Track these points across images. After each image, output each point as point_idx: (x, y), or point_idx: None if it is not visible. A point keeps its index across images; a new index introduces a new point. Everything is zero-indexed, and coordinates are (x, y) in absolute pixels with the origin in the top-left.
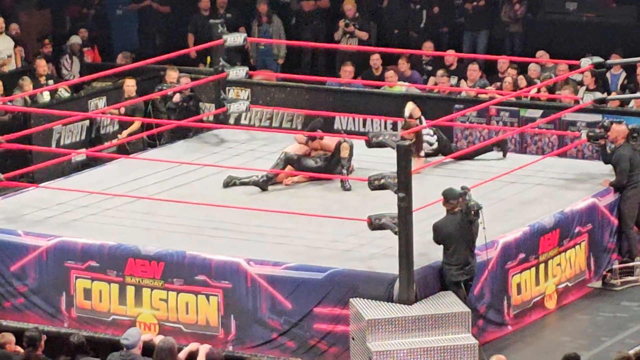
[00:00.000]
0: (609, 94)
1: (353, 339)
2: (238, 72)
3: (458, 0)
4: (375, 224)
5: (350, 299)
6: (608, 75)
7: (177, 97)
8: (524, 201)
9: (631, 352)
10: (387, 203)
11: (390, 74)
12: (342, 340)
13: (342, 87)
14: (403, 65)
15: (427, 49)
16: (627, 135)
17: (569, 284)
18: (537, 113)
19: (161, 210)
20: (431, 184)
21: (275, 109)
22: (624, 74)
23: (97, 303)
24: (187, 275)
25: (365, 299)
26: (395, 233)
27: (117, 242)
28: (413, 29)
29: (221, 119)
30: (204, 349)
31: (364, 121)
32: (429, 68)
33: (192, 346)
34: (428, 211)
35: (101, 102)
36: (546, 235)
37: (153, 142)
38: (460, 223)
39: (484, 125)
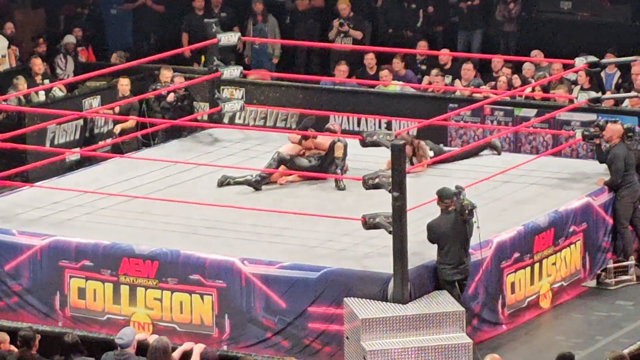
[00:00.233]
0: (603, 93)
1: (347, 338)
2: (232, 72)
3: None
4: (369, 223)
5: (345, 298)
6: (602, 74)
7: (171, 97)
8: (519, 200)
9: (625, 351)
10: (381, 202)
11: (384, 73)
12: (336, 340)
13: (336, 87)
14: (397, 64)
15: (422, 48)
16: (622, 134)
17: (564, 283)
18: (531, 112)
19: (155, 210)
20: (425, 183)
21: (269, 108)
22: (618, 73)
23: (92, 302)
24: (182, 275)
25: (360, 298)
26: (390, 232)
27: (111, 242)
28: (408, 28)
29: (215, 119)
30: (198, 348)
31: (359, 120)
32: (423, 67)
33: (186, 345)
34: (422, 210)
35: (95, 101)
36: (541, 235)
37: (147, 141)
38: (454, 222)
39: (479, 125)
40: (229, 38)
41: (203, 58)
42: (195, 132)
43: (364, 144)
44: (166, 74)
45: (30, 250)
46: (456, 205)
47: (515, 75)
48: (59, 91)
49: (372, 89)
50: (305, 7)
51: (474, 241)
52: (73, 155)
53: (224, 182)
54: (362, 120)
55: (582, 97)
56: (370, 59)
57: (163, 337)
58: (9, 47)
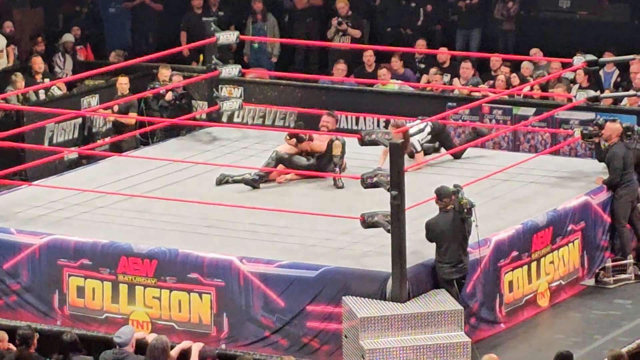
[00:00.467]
0: (602, 92)
1: (346, 336)
2: (231, 70)
3: None
4: (368, 222)
5: (343, 297)
6: (601, 73)
7: (169, 95)
8: (517, 199)
9: (624, 349)
10: (380, 201)
11: (383, 71)
12: (334, 338)
13: (334, 85)
14: (396, 63)
15: (420, 46)
16: (620, 133)
17: (562, 282)
18: (530, 111)
19: (154, 209)
20: (424, 182)
21: (268, 107)
22: (617, 72)
23: (90, 301)
24: (180, 273)
25: (358, 297)
26: (388, 231)
27: (109, 240)
28: (407, 27)
29: (214, 117)
30: (196, 347)
31: (357, 119)
32: (422, 66)
33: (185, 344)
34: (421, 209)
35: (94, 100)
36: (539, 233)
37: (146, 140)
38: (453, 221)
39: (477, 123)
40: (228, 37)
41: (202, 57)
42: (194, 130)
43: (362, 142)
44: (165, 72)
45: (29, 249)
46: (455, 204)
47: (514, 74)
48: (57, 90)
49: (370, 88)
50: (303, 6)
51: (472, 240)
52: (72, 153)
53: (222, 181)
54: (361, 119)
55: (581, 96)
56: (369, 56)
57: (162, 336)
58: (7, 46)
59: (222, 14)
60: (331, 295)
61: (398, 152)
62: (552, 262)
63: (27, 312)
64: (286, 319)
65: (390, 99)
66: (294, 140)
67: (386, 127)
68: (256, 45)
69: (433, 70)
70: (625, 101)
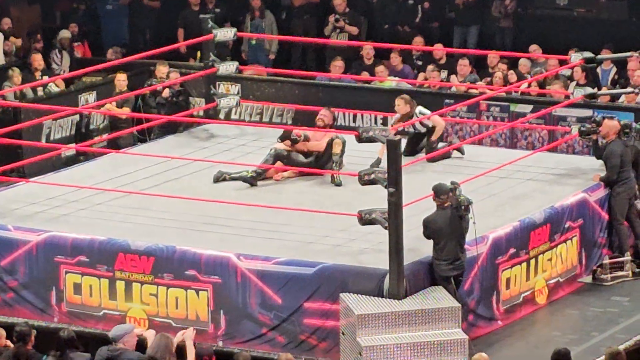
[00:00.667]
0: (599, 89)
1: (343, 333)
2: (228, 67)
3: None
4: (365, 219)
5: (340, 294)
6: (599, 70)
7: (166, 92)
8: (515, 196)
9: (621, 347)
10: (377, 198)
11: (380, 68)
12: (332, 335)
13: (332, 82)
14: (395, 58)
15: (417, 43)
16: (618, 131)
17: (560, 279)
18: (527, 108)
19: (151, 205)
20: (421, 179)
21: (265, 103)
22: (614, 69)
23: (88, 298)
24: (177, 270)
25: (356, 294)
26: (386, 228)
27: (107, 237)
28: (405, 24)
29: (211, 114)
30: (189, 339)
31: (354, 116)
32: (419, 63)
33: (178, 337)
34: (418, 206)
35: (91, 97)
36: (537, 230)
37: (143, 137)
38: (450, 218)
39: (474, 120)
40: (225, 34)
41: (199, 54)
42: (191, 127)
43: (359, 139)
44: (162, 69)
45: (26, 246)
46: (452, 201)
47: (511, 71)
48: (54, 86)
49: (368, 85)
50: (301, 3)
51: (469, 237)
52: (69, 150)
53: (219, 178)
54: (358, 115)
55: (578, 93)
56: (368, 50)
57: (165, 334)
58: (4, 42)
59: (219, 10)
60: (328, 292)
61: (395, 149)
62: (549, 260)
63: (25, 308)
64: (283, 316)
65: (388, 96)
66: (289, 142)
67: (384, 124)
68: (254, 42)
69: (430, 67)
70: (622, 98)
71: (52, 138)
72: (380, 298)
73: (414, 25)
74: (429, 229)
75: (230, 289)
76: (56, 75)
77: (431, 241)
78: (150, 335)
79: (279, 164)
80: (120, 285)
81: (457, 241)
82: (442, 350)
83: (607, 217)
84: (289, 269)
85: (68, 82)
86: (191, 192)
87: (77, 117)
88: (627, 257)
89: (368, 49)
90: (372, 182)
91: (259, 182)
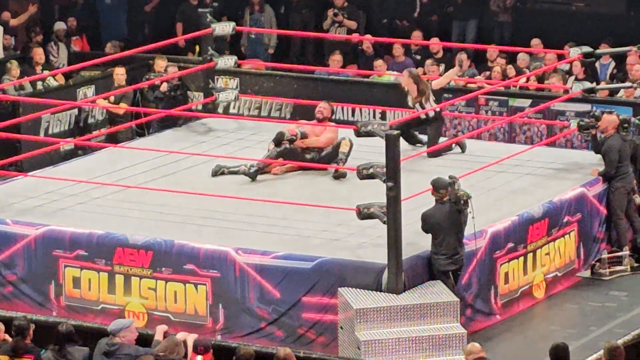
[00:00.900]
0: (598, 83)
1: (341, 328)
2: (227, 61)
3: None
4: (364, 214)
5: (339, 288)
6: (597, 64)
7: (164, 86)
8: (513, 191)
9: (619, 341)
10: (376, 193)
11: (379, 63)
12: (330, 329)
13: (330, 76)
14: (398, 49)
15: (416, 38)
16: (617, 125)
17: (558, 274)
18: (526, 102)
19: (150, 200)
20: (420, 173)
21: (264, 98)
22: (613, 64)
23: (86, 292)
24: (176, 264)
25: (354, 288)
26: (384, 222)
27: (105, 231)
28: (403, 18)
29: (210, 108)
30: (191, 338)
31: (353, 110)
32: (418, 57)
33: (180, 336)
34: (417, 201)
35: (90, 91)
36: (535, 225)
37: (141, 131)
38: (449, 212)
39: (473, 115)
40: (224, 28)
41: (197, 48)
42: (190, 121)
43: (358, 134)
44: (160, 63)
45: (25, 240)
46: (451, 195)
47: (510, 66)
48: (53, 80)
49: (366, 79)
50: None
51: (468, 231)
52: (67, 144)
53: (218, 172)
54: (357, 110)
55: (577, 88)
56: (368, 43)
57: (173, 334)
58: (3, 36)
59: (217, 4)
60: (327, 287)
61: (394, 143)
62: (547, 254)
63: (23, 302)
64: (282, 310)
65: (386, 90)
66: (287, 142)
67: (382, 118)
68: (253, 36)
69: (429, 61)
70: (621, 93)
71: (50, 132)
72: (378, 292)
73: (412, 19)
74: (428, 223)
75: (229, 283)
76: (55, 68)
77: (430, 235)
78: (160, 331)
79: (282, 159)
80: (119, 279)
81: (456, 235)
82: (440, 345)
83: (605, 212)
84: (287, 263)
85: (67, 76)
86: (189, 186)
87: (75, 111)
88: (626, 251)
89: (368, 43)
90: (371, 176)
91: (258, 176)
